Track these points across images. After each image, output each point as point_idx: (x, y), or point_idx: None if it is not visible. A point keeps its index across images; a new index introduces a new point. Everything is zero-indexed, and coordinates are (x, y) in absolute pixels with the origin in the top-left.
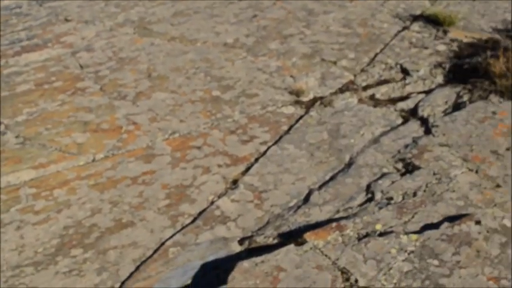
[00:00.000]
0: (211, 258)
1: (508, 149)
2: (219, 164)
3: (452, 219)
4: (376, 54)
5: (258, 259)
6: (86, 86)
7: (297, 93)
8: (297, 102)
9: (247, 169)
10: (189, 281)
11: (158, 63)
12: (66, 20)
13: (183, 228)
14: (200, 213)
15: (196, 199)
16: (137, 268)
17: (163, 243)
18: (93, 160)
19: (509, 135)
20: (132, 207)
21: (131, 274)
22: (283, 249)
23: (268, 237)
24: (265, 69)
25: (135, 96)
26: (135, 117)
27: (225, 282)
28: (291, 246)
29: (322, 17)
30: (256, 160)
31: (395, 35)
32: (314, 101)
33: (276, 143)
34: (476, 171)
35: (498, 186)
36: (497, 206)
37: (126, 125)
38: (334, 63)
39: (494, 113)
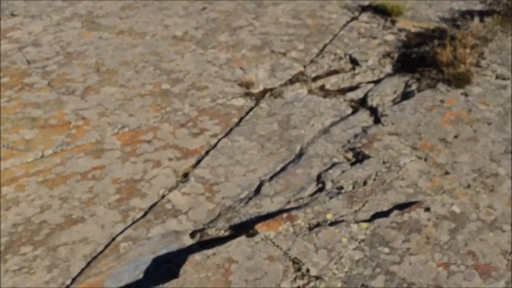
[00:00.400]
0: (162, 252)
1: (456, 137)
2: (169, 157)
3: (402, 207)
4: (325, 45)
5: (210, 251)
6: (34, 82)
7: (247, 85)
8: (247, 94)
9: (198, 162)
10: (141, 276)
11: (107, 57)
12: (13, 15)
13: (134, 222)
14: (151, 207)
15: (147, 193)
16: (88, 264)
17: (114, 239)
18: (42, 156)
19: (457, 123)
20: (82, 202)
21: (82, 270)
22: (235, 241)
23: (219, 229)
24: (215, 62)
25: (83, 91)
26: (83, 112)
27: (176, 275)
28: (243, 237)
29: (271, 8)
30: (207, 153)
31: (344, 25)
32: (264, 92)
33: (226, 135)
34: (425, 159)
35: (447, 173)
36: (446, 193)
37: (74, 120)
38: (284, 54)
39: (442, 101)
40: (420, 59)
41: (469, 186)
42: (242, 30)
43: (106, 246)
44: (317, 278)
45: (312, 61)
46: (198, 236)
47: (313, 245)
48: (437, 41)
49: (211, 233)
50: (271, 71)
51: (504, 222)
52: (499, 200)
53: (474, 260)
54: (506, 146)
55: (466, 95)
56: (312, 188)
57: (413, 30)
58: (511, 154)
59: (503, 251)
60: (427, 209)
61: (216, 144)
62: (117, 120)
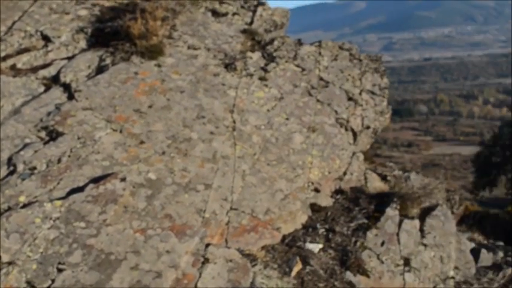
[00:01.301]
0: None
1: (150, 107)
2: None
3: (97, 180)
4: (14, 22)
5: None
6: None
7: None
8: None
9: None
10: None
11: None
12: None
13: None
14: None
15: None
16: None
17: None
18: None
19: (151, 93)
20: None
21: None
22: None
23: None
24: None
25: None
26: None
27: None
28: None
29: None
30: None
31: (35, 1)
32: None
33: None
34: (121, 131)
35: (142, 142)
36: (142, 162)
37: None
38: None
39: (136, 73)
40: (114, 33)
41: (164, 152)
42: None
43: None
44: (10, 263)
45: (0, 40)
46: None
47: (3, 230)
48: (130, 14)
49: None
50: None
51: (198, 182)
52: (192, 163)
53: (171, 221)
54: (198, 111)
55: (159, 66)
56: (3, 172)
57: (107, 4)
58: (203, 119)
59: (198, 209)
60: (123, 179)
61: None
62: None
